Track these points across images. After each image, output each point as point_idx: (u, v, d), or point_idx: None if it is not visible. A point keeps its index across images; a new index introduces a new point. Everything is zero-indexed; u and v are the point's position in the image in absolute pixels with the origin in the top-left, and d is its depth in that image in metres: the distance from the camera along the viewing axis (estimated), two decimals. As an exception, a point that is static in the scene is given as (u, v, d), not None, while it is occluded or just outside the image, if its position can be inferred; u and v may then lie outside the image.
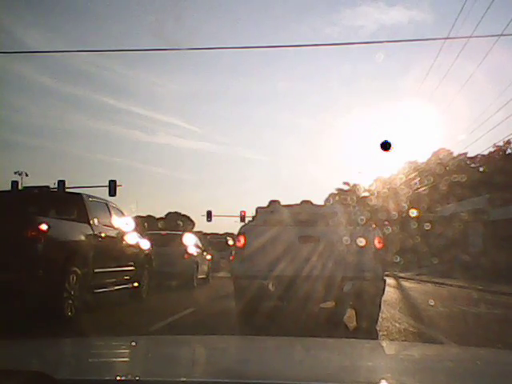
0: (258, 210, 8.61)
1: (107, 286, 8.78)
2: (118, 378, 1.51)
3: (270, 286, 7.12)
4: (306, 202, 8.56)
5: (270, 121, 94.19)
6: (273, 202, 8.64)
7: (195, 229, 64.74)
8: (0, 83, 72.28)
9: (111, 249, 9.04)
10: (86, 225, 8.21)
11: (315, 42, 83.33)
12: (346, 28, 68.31)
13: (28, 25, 72.63)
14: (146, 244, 11.13)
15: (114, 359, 1.94)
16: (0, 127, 70.72)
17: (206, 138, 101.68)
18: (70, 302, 7.21)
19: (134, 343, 2.39)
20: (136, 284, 10.06)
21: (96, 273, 8.16)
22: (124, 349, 2.23)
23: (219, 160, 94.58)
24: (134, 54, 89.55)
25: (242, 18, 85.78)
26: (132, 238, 10.16)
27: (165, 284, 13.80)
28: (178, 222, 58.04)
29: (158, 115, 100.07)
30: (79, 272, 7.52)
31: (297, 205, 8.50)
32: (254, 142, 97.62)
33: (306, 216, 7.86)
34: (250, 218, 28.82)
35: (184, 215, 65.80)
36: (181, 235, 16.89)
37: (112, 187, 30.27)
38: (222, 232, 54.65)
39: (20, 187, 33.51)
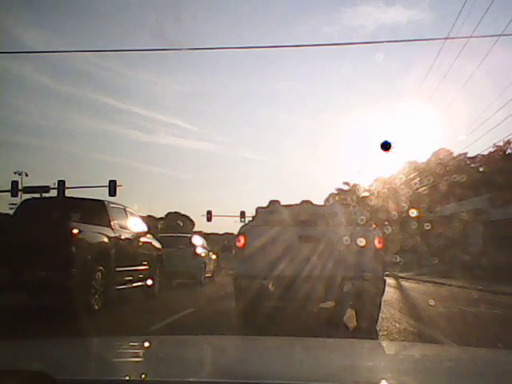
0: (258, 210, 8.59)
1: (126, 284, 9.58)
2: (119, 378, 1.51)
3: (270, 286, 7.10)
4: (305, 202, 8.54)
5: (270, 121, 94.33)
6: (273, 202, 8.60)
7: (195, 229, 64.77)
8: (0, 83, 72.29)
9: (129, 249, 9.85)
10: (108, 228, 9.05)
11: (315, 42, 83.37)
12: (345, 28, 68.43)
13: (28, 25, 72.68)
14: (157, 244, 11.93)
15: (115, 359, 1.93)
16: (0, 127, 70.72)
17: (205, 138, 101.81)
18: (97, 297, 8.15)
19: (134, 343, 2.39)
20: (150, 282, 10.78)
21: (117, 271, 9.01)
22: (124, 349, 2.23)
23: (219, 160, 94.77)
24: (134, 54, 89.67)
25: (242, 18, 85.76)
26: (146, 239, 11.04)
27: (175, 282, 15.36)
28: (178, 222, 58.03)
29: (158, 115, 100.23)
30: (104, 270, 8.43)
31: (297, 205, 8.47)
32: (254, 142, 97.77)
33: (305, 216, 7.84)
34: (250, 218, 28.86)
35: (184, 215, 65.80)
36: (190, 237, 18.45)
37: (112, 187, 30.29)
38: (221, 232, 54.77)
39: (20, 187, 33.62)
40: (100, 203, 9.67)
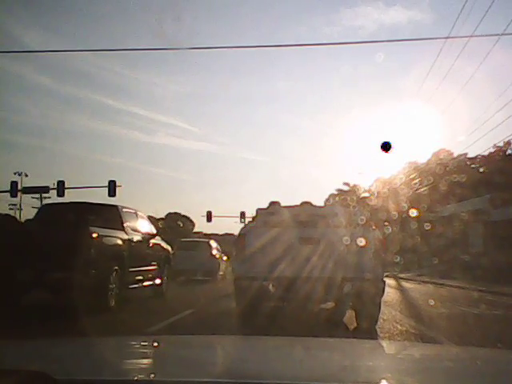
0: (259, 211, 8.63)
1: (138, 283, 10.22)
2: (119, 378, 1.51)
3: (271, 287, 7.14)
4: (305, 204, 8.58)
5: (270, 121, 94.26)
6: (273, 204, 8.67)
7: (195, 229, 64.82)
8: (0, 83, 72.34)
9: (140, 250, 10.50)
10: (121, 231, 9.68)
11: (315, 42, 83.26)
12: (345, 28, 68.43)
13: (27, 25, 72.62)
14: (166, 246, 12.55)
15: (115, 359, 1.93)
16: (0, 127, 70.73)
17: (205, 138, 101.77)
18: (113, 295, 8.79)
19: (134, 343, 2.40)
20: (158, 281, 11.38)
21: (130, 271, 9.64)
22: (124, 349, 2.23)
23: (219, 160, 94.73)
24: (134, 54, 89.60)
25: (242, 18, 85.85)
26: (155, 241, 11.62)
27: (195, 278, 19.05)
28: (178, 222, 58.02)
29: (158, 115, 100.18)
30: (119, 270, 9.03)
31: (297, 206, 8.50)
32: (254, 142, 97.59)
33: (305, 217, 7.85)
34: (250, 219, 28.90)
35: (184, 216, 65.72)
36: (207, 241, 22.35)
37: (112, 188, 30.25)
38: (222, 233, 54.75)
39: (19, 187, 33.63)
40: (114, 208, 10.32)
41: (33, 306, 8.88)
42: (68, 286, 7.93)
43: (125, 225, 9.92)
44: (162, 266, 11.67)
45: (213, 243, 22.12)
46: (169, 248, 12.81)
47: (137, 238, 10.36)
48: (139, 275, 10.22)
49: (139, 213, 11.31)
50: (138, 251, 10.28)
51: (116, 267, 8.95)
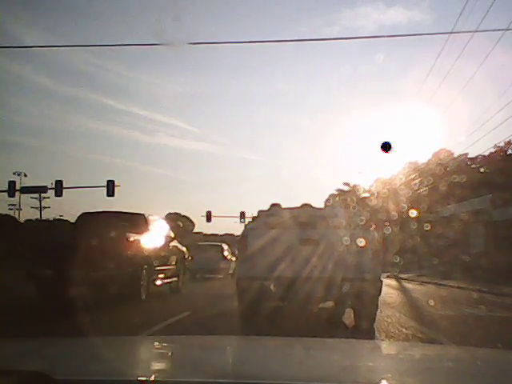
0: (260, 213, 8.81)
1: (161, 280, 11.89)
2: (119, 378, 1.51)
3: (272, 287, 7.24)
4: (305, 205, 8.71)
5: (269, 121, 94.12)
6: (274, 206, 8.83)
7: (195, 229, 64.81)
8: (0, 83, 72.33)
9: (163, 252, 12.19)
10: (148, 235, 11.34)
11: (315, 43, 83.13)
12: (345, 28, 68.29)
13: (27, 25, 72.60)
14: (182, 247, 14.20)
15: (114, 359, 1.93)
16: (-1, 128, 70.65)
17: (205, 138, 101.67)
18: (143, 289, 10.56)
19: (134, 343, 2.40)
20: (176, 279, 13.04)
21: (155, 270, 11.33)
22: (124, 349, 2.23)
23: (219, 161, 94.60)
24: (134, 54, 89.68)
25: (242, 18, 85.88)
26: (173, 244, 13.32)
27: (209, 276, 22.97)
28: (178, 222, 57.97)
29: (158, 116, 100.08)
30: (147, 269, 10.75)
31: (297, 208, 8.60)
32: (254, 142, 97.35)
33: (306, 218, 7.92)
34: (250, 219, 29.05)
35: (184, 216, 65.60)
36: (220, 244, 26.16)
37: (110, 187, 30.21)
38: (222, 233, 54.74)
39: (18, 187, 33.62)
40: (142, 216, 12.05)
41: (78, 301, 9.92)
42: (110, 282, 9.58)
43: (150, 230, 11.58)
44: (178, 265, 13.28)
45: (224, 246, 25.70)
46: (184, 249, 14.32)
47: (160, 241, 12.02)
48: (162, 273, 11.87)
49: (160, 219, 13.21)
50: (161, 252, 11.98)
51: (146, 266, 10.63)
